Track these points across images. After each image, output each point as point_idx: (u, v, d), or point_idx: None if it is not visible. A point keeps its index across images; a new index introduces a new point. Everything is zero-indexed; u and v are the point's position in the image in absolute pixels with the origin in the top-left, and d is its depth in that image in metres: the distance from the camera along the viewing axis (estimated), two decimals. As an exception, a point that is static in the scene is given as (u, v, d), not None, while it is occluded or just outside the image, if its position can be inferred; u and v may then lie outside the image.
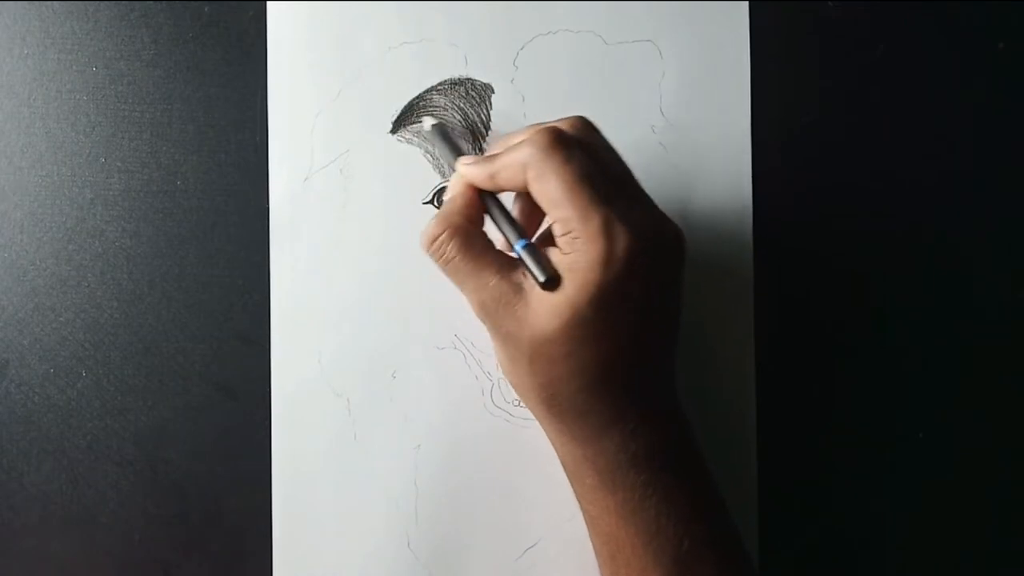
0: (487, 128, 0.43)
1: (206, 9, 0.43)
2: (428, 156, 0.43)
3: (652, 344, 0.35)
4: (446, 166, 0.41)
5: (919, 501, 0.44)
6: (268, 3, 0.43)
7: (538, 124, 0.35)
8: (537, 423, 0.43)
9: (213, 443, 0.43)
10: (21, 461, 0.43)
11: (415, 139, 0.43)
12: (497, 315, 0.34)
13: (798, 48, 0.43)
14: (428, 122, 0.42)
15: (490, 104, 0.43)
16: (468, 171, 0.36)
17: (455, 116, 0.43)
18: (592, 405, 0.34)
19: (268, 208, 0.43)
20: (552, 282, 0.33)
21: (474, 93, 0.43)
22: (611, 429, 0.34)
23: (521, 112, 0.43)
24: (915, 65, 0.44)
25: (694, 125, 0.43)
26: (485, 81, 0.43)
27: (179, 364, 0.43)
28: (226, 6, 0.43)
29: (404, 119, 0.43)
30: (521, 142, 0.34)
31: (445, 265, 0.35)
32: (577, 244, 0.33)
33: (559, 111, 0.43)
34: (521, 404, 0.43)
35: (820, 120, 0.44)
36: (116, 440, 0.43)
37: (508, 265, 0.35)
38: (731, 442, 0.43)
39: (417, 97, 0.43)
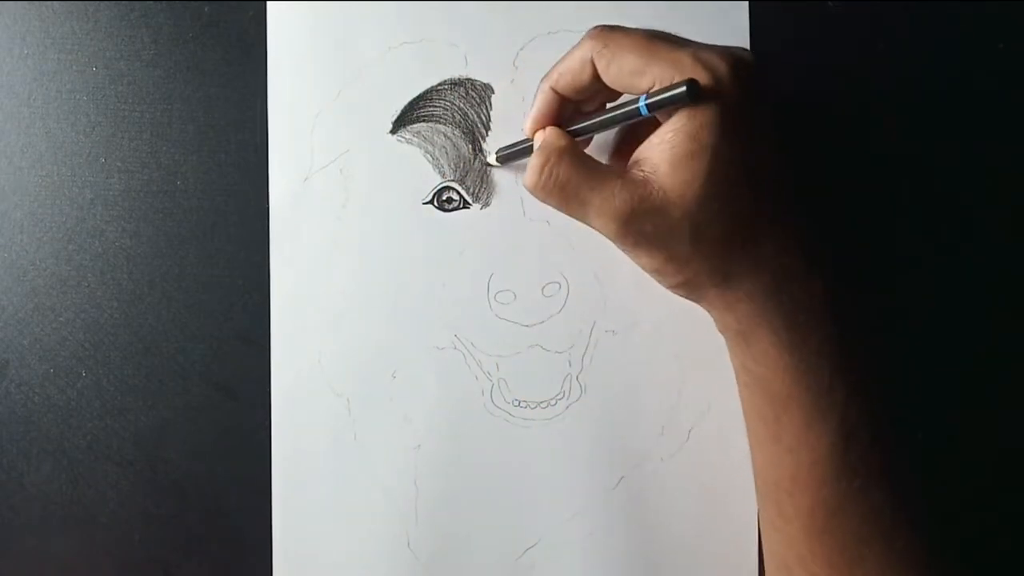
0: (487, 128, 0.43)
1: (206, 9, 0.43)
2: (428, 156, 0.43)
3: (782, 167, 0.35)
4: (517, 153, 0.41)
5: (920, 500, 0.44)
6: (268, 3, 0.43)
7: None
8: (537, 423, 0.43)
9: (213, 443, 0.43)
10: (21, 461, 0.43)
11: (415, 139, 0.43)
12: (635, 218, 0.33)
13: (798, 48, 0.43)
14: (492, 156, 0.42)
15: (490, 104, 0.43)
16: (535, 113, 0.36)
17: (455, 116, 0.43)
18: (764, 255, 0.34)
19: (268, 208, 0.43)
20: (695, 89, 0.32)
21: (474, 93, 0.43)
22: (787, 281, 0.34)
23: (521, 112, 0.43)
24: (915, 65, 0.44)
25: (694, 125, 0.43)
26: (485, 81, 0.43)
27: (179, 364, 0.43)
28: (226, 6, 0.43)
29: (404, 119, 0.43)
30: (572, 49, 0.35)
31: (561, 191, 0.34)
32: None
33: (559, 111, 0.43)
34: (522, 404, 0.43)
35: (820, 120, 0.44)
36: (116, 440, 0.43)
37: (621, 170, 0.34)
38: (732, 442, 0.43)
39: (417, 97, 0.43)
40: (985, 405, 0.44)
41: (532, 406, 0.43)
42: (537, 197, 0.35)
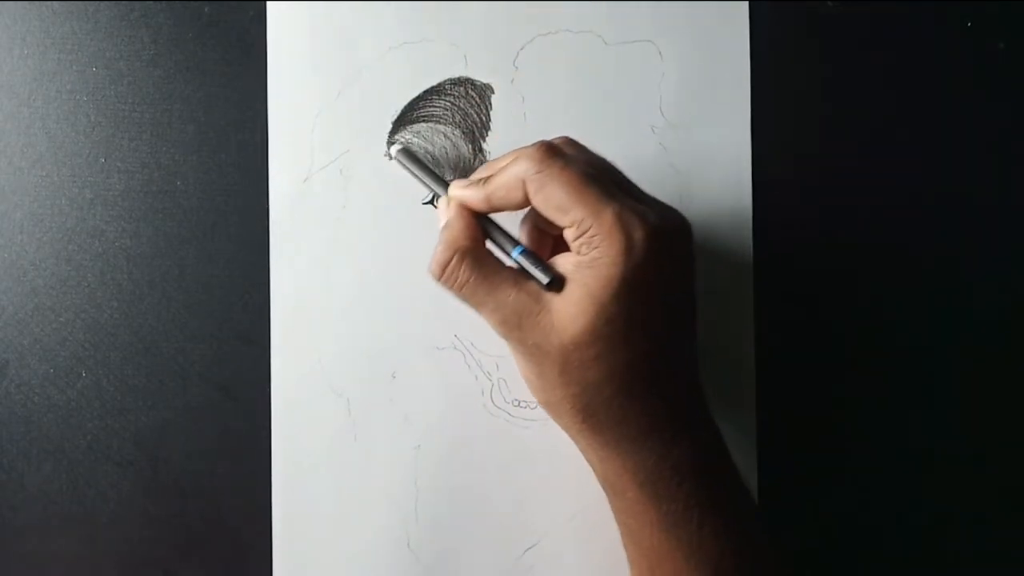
0: (487, 128, 0.43)
1: (206, 9, 0.43)
2: (428, 156, 0.43)
3: (678, 338, 0.35)
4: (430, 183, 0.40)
5: (919, 500, 0.44)
6: (268, 3, 0.43)
7: (520, 148, 0.35)
8: (537, 423, 0.43)
9: (213, 443, 0.43)
10: (21, 461, 0.43)
11: (415, 139, 0.43)
12: (521, 329, 0.34)
13: (798, 48, 0.43)
14: (395, 148, 0.41)
15: (490, 104, 0.43)
16: (463, 194, 0.36)
17: (455, 116, 0.43)
18: (628, 409, 0.34)
19: (268, 208, 0.43)
20: (556, 283, 0.33)
21: (474, 93, 0.43)
22: (650, 437, 0.34)
23: (521, 112, 0.43)
24: (915, 65, 0.44)
25: (694, 125, 0.43)
26: (485, 81, 0.43)
27: (179, 364, 0.43)
28: (226, 6, 0.43)
29: (404, 119, 0.43)
30: (512, 160, 0.34)
31: (460, 289, 0.35)
32: (595, 241, 0.33)
33: (559, 111, 0.43)
34: (522, 404, 0.43)
35: (820, 120, 0.44)
36: (116, 440, 0.43)
37: (523, 278, 0.35)
38: (731, 444, 0.43)
39: (417, 97, 0.43)
40: (985, 405, 0.44)
41: (532, 406, 0.43)
42: (436, 284, 0.36)
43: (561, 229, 0.35)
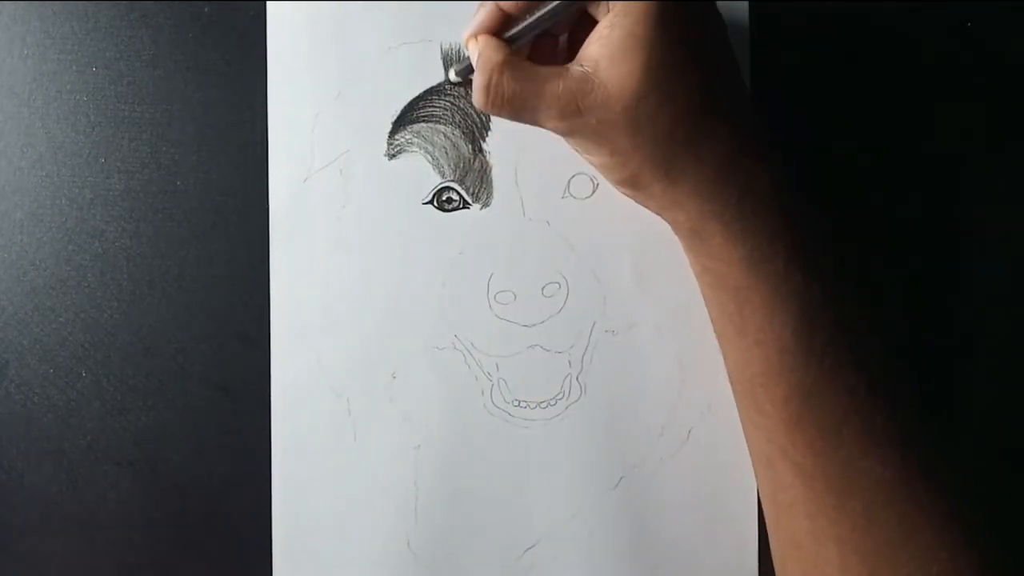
0: (487, 128, 0.43)
1: (206, 9, 0.43)
2: (427, 156, 0.43)
3: (732, 69, 0.36)
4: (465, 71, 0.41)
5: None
6: (268, 3, 0.43)
7: None
8: (537, 423, 0.43)
9: (213, 443, 0.43)
10: (21, 461, 0.43)
11: (415, 139, 0.43)
12: (581, 113, 0.34)
13: (798, 48, 0.43)
14: (453, 73, 0.41)
15: (490, 104, 0.43)
16: (476, 26, 0.36)
17: (455, 116, 0.43)
18: (704, 148, 0.34)
19: (268, 208, 0.43)
20: None
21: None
22: (729, 172, 0.34)
23: (521, 112, 0.43)
24: (915, 65, 0.44)
25: (694, 125, 0.43)
26: (485, 81, 0.43)
27: (179, 364, 0.43)
28: (226, 6, 0.43)
29: (404, 119, 0.43)
30: None
31: (509, 103, 0.35)
32: None
33: (559, 111, 0.43)
34: (522, 404, 0.43)
35: (819, 120, 0.44)
36: (116, 440, 0.43)
37: (562, 68, 0.35)
38: (732, 442, 0.43)
39: (417, 97, 0.43)
40: (985, 402, 0.44)
41: (532, 406, 0.43)
42: (489, 114, 0.36)
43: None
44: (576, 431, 0.43)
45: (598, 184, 0.43)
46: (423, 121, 0.43)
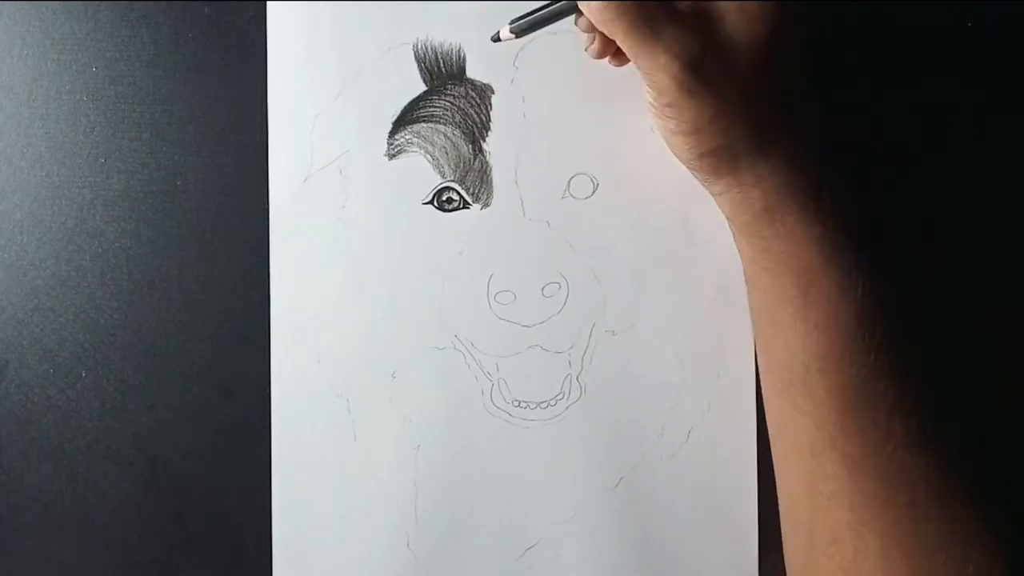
0: (487, 128, 0.43)
1: (206, 9, 0.43)
2: (428, 156, 0.43)
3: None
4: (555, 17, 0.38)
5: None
6: (268, 3, 0.43)
7: None
8: (537, 423, 0.43)
9: (213, 443, 0.43)
10: (21, 461, 0.43)
11: (415, 139, 0.43)
12: (705, 55, 0.33)
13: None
14: (506, 30, 0.39)
15: (490, 104, 0.43)
16: None
17: (455, 116, 0.43)
18: (803, 119, 0.34)
19: (268, 208, 0.43)
20: None
21: (474, 93, 0.43)
22: (818, 148, 0.35)
23: (521, 112, 0.43)
24: (915, 65, 0.44)
25: (694, 125, 0.43)
26: (485, 81, 0.43)
27: (179, 364, 0.43)
28: (226, 6, 0.43)
29: (404, 119, 0.43)
30: None
31: (636, 14, 0.33)
32: None
33: (559, 111, 0.43)
34: (522, 404, 0.43)
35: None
36: (116, 440, 0.43)
37: (693, 14, 0.34)
38: (732, 443, 0.43)
39: (417, 97, 0.43)
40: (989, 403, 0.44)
41: (532, 406, 0.43)
42: (600, 21, 0.34)
43: None
44: (576, 431, 0.43)
45: (598, 184, 0.43)
46: (423, 121, 0.43)
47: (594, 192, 0.43)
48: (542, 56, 0.43)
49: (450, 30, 0.43)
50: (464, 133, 0.43)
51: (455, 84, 0.43)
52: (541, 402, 0.43)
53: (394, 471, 0.43)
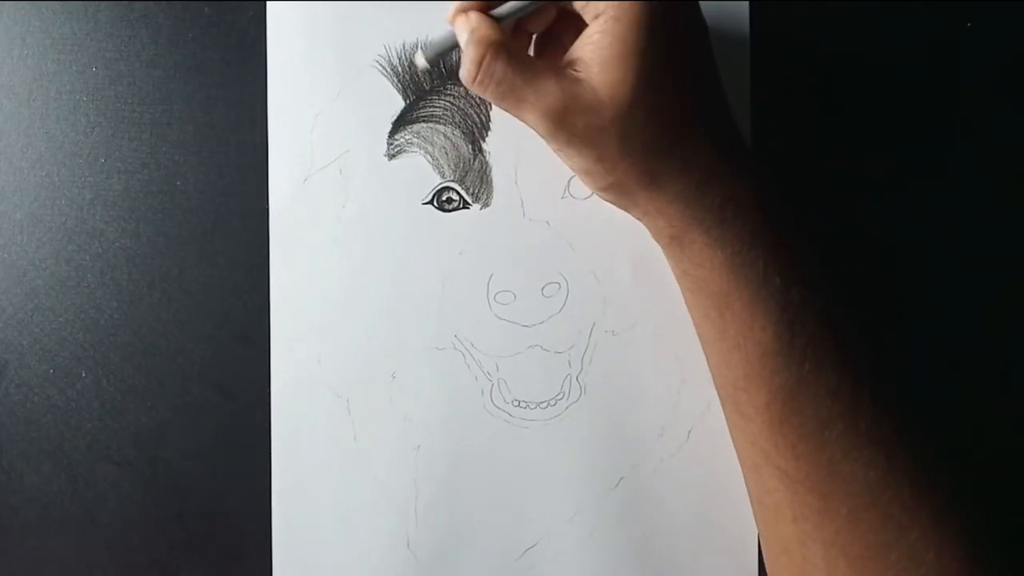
0: (487, 128, 0.43)
1: (206, 9, 0.43)
2: (428, 156, 0.43)
3: (712, 73, 0.36)
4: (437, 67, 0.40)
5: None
6: (268, 3, 0.43)
7: None
8: (537, 423, 0.43)
9: (213, 443, 0.43)
10: (21, 461, 0.43)
11: (415, 139, 0.43)
12: (568, 115, 0.34)
13: (798, 48, 0.43)
14: (420, 57, 0.39)
15: (490, 104, 0.43)
16: (465, 3, 0.35)
17: (455, 116, 0.43)
18: (690, 154, 0.34)
19: (268, 208, 0.43)
20: None
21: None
22: (713, 178, 0.35)
23: (521, 112, 0.43)
24: (915, 65, 0.44)
25: (694, 125, 0.43)
26: (485, 81, 0.43)
27: (179, 364, 0.43)
28: (226, 6, 0.43)
29: (404, 119, 0.43)
30: None
31: (498, 87, 0.34)
32: None
33: (559, 111, 0.43)
34: (522, 404, 0.43)
35: (820, 120, 0.44)
36: (116, 440, 0.43)
37: (555, 65, 0.35)
38: (732, 447, 0.43)
39: (417, 97, 0.43)
40: (991, 398, 0.44)
41: (532, 406, 0.43)
42: (472, 91, 0.35)
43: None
44: (576, 431, 0.43)
45: (598, 184, 0.43)
46: (423, 121, 0.43)
47: (594, 192, 0.43)
48: (542, 56, 0.43)
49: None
50: (464, 133, 0.43)
51: (455, 84, 0.43)
52: (541, 402, 0.43)
53: (394, 471, 0.43)
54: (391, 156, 0.43)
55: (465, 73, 0.35)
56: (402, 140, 0.43)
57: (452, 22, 0.36)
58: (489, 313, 0.43)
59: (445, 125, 0.43)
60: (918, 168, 0.44)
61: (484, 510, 0.43)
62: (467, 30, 0.35)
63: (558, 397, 0.43)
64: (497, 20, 0.36)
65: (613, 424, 0.43)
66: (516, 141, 0.43)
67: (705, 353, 0.38)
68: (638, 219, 0.38)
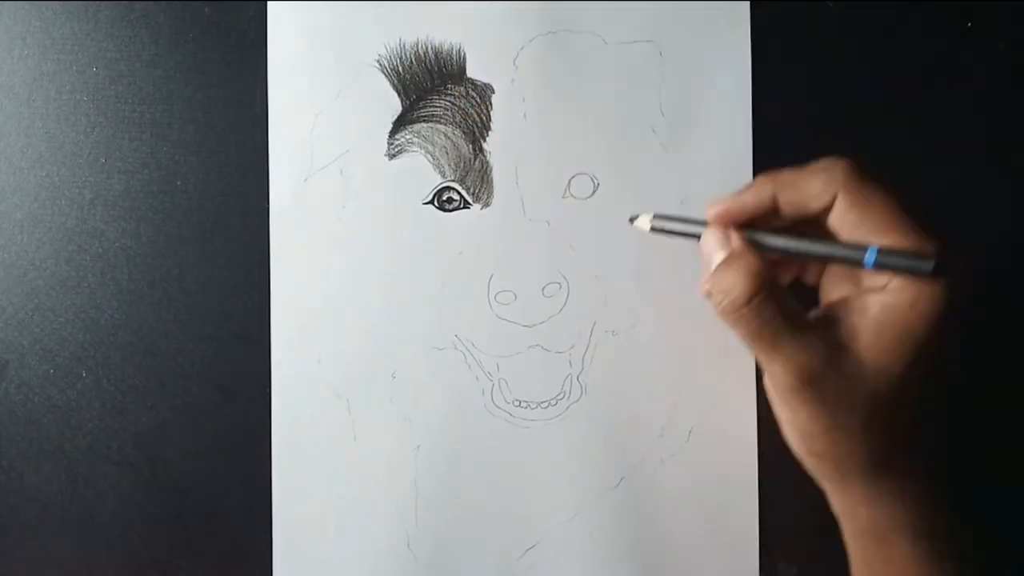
0: (487, 128, 0.43)
1: (206, 9, 0.43)
2: (428, 156, 0.43)
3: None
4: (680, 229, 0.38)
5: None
6: (268, 3, 0.43)
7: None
8: (537, 423, 0.43)
9: (213, 443, 0.43)
10: (21, 461, 0.43)
11: (415, 139, 0.43)
12: (824, 379, 0.31)
13: (798, 48, 0.43)
14: (646, 220, 0.39)
15: (490, 104, 0.43)
16: (730, 204, 0.33)
17: (455, 116, 0.43)
18: (918, 458, 0.32)
19: (268, 208, 0.43)
20: (941, 269, 0.30)
21: (474, 93, 0.43)
22: (929, 489, 0.33)
23: (521, 112, 0.43)
24: (915, 65, 0.44)
25: (694, 125, 0.43)
26: (485, 81, 0.43)
27: (179, 364, 0.43)
28: (226, 6, 0.43)
29: (404, 119, 0.43)
30: (815, 168, 0.32)
31: (760, 328, 0.32)
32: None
33: (559, 111, 0.43)
34: (522, 404, 0.43)
35: (820, 120, 0.44)
36: (116, 440, 0.43)
37: (821, 322, 0.33)
38: (732, 442, 0.43)
39: (417, 97, 0.43)
40: (992, 401, 0.44)
41: (532, 406, 0.43)
42: (722, 317, 0.33)
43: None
44: (576, 431, 0.43)
45: (598, 184, 0.43)
46: (423, 121, 0.43)
47: (594, 192, 0.43)
48: (542, 56, 0.43)
49: (450, 30, 0.43)
50: (464, 133, 0.43)
51: (455, 84, 0.43)
52: (541, 402, 0.43)
53: (394, 471, 0.43)
54: (391, 156, 0.43)
55: (729, 303, 0.32)
56: (402, 140, 0.43)
57: (710, 221, 0.34)
58: (489, 313, 0.43)
59: (446, 125, 0.43)
60: (917, 167, 0.44)
61: (484, 510, 0.43)
62: (726, 249, 0.33)
63: (558, 397, 0.43)
64: (757, 244, 0.34)
65: (613, 424, 0.43)
66: (516, 141, 0.43)
67: None
68: (829, 493, 0.35)
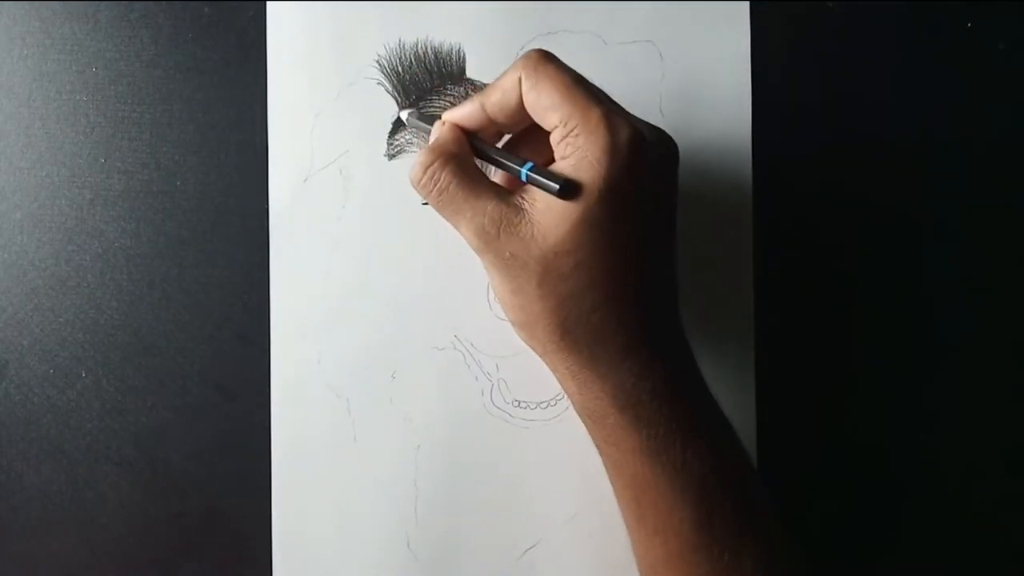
0: (487, 128, 0.43)
1: (206, 9, 0.43)
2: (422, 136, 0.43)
3: (659, 255, 0.35)
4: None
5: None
6: (268, 3, 0.43)
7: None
8: (537, 423, 0.42)
9: (213, 443, 0.43)
10: (21, 461, 0.43)
11: (407, 146, 0.43)
12: (498, 240, 0.33)
13: (798, 48, 0.43)
14: (404, 113, 0.40)
15: (490, 104, 0.43)
16: (455, 113, 0.36)
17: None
18: (607, 324, 0.33)
19: (268, 208, 0.43)
20: (569, 189, 0.32)
21: (474, 93, 0.43)
22: (628, 357, 0.33)
23: (521, 112, 0.43)
24: (915, 65, 0.44)
25: (694, 125, 0.43)
26: (485, 81, 0.43)
27: (179, 364, 0.43)
28: (226, 6, 0.43)
29: (402, 122, 0.43)
30: (508, 69, 0.34)
31: (439, 195, 0.34)
32: (579, 141, 0.32)
33: (559, 111, 0.43)
34: (522, 404, 0.43)
35: (820, 120, 0.44)
36: (116, 440, 0.43)
37: (504, 191, 0.34)
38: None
39: (416, 97, 0.43)
40: (994, 377, 0.44)
41: (532, 406, 0.43)
42: (417, 193, 0.35)
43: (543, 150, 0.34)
44: (576, 431, 0.43)
45: (598, 184, 0.43)
46: (423, 121, 0.43)
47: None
48: (542, 56, 0.43)
49: (450, 30, 0.43)
50: (464, 133, 0.43)
51: (454, 84, 0.43)
52: (541, 402, 0.43)
53: (394, 471, 0.43)
54: (391, 156, 0.43)
55: (412, 174, 0.35)
56: (402, 140, 0.43)
57: (444, 117, 0.36)
58: (489, 313, 0.43)
59: (445, 125, 0.43)
60: (917, 167, 0.44)
61: (484, 510, 0.43)
62: (434, 134, 0.36)
63: (558, 397, 0.43)
64: (472, 148, 0.35)
65: (613, 424, 0.43)
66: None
67: (627, 529, 0.37)
68: (551, 371, 0.36)
